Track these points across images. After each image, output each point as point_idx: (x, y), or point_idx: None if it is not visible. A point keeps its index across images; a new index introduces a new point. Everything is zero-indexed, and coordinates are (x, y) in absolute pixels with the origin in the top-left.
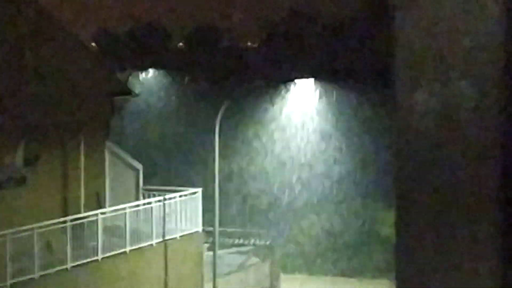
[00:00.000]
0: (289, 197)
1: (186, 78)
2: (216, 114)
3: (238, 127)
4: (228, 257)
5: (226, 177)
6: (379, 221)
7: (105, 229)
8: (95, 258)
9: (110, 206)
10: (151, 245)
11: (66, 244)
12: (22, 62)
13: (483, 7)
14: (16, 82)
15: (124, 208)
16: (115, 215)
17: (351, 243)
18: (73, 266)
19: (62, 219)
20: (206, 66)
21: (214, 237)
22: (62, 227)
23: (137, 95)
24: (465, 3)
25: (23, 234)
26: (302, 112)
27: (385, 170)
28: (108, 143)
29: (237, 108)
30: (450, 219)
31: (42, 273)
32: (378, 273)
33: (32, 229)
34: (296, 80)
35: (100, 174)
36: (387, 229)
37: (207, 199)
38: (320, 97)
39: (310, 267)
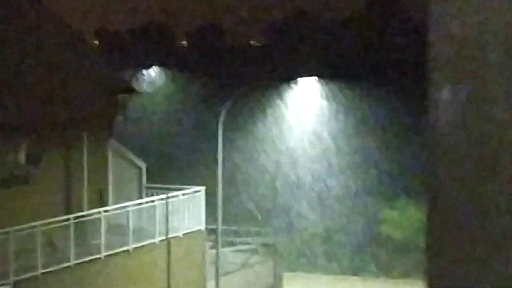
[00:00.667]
0: (292, 196)
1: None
2: (220, 112)
3: (242, 126)
4: (231, 255)
5: (230, 175)
6: (382, 220)
7: (108, 227)
8: (98, 256)
9: (113, 204)
10: (154, 243)
11: (69, 242)
12: (25, 60)
13: None
14: (19, 80)
15: (127, 206)
16: (118, 213)
17: (354, 241)
18: (76, 264)
19: (65, 217)
20: (209, 65)
21: (217, 236)
22: (65, 225)
23: (140, 93)
24: None
25: (26, 232)
26: (305, 110)
27: (388, 169)
28: (112, 141)
29: (240, 107)
30: (483, 217)
31: (45, 270)
32: (381, 271)
33: (35, 227)
34: (298, 79)
35: (103, 172)
36: (390, 228)
37: (211, 197)
38: (323, 95)
39: (313, 266)
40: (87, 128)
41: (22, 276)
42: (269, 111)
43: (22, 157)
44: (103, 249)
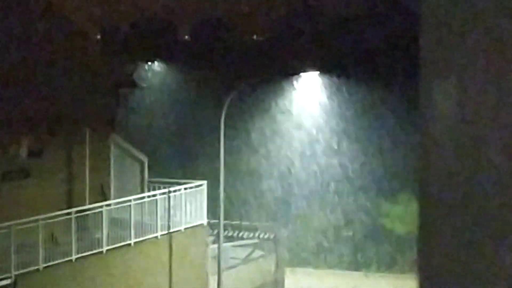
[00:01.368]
0: (294, 191)
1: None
2: (222, 107)
3: (244, 120)
4: (233, 250)
5: (232, 170)
6: (383, 214)
7: (110, 221)
8: (100, 250)
9: (115, 198)
10: (156, 237)
11: (71, 236)
12: (27, 54)
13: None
14: (21, 74)
15: (129, 200)
16: (120, 207)
17: (356, 236)
18: (78, 258)
19: (66, 211)
20: (212, 59)
21: (219, 230)
22: (67, 219)
23: (142, 87)
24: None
25: (28, 225)
26: (307, 105)
27: (389, 164)
28: (114, 135)
29: (243, 101)
30: (475, 216)
31: (47, 264)
32: (383, 266)
33: (37, 220)
34: (301, 74)
35: (105, 166)
36: (392, 223)
37: (213, 192)
38: (326, 90)
39: (315, 261)
40: (89, 122)
41: (24, 270)
42: (271, 105)
43: (24, 151)
44: (104, 243)
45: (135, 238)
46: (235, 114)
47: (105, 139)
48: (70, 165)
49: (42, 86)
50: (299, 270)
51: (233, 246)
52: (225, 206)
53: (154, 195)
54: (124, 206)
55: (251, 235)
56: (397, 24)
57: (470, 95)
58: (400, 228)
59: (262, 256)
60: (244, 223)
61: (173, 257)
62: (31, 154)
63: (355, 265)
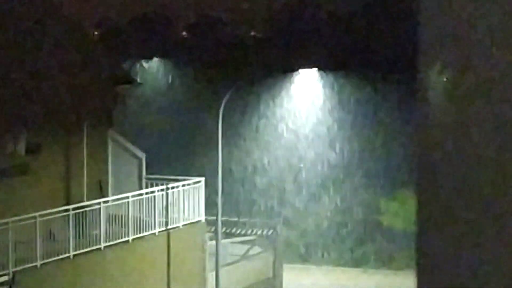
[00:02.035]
0: (292, 187)
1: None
2: (220, 103)
3: (242, 117)
4: (231, 246)
5: (230, 167)
6: (381, 211)
7: (108, 217)
8: (98, 246)
9: (113, 194)
10: (154, 234)
11: (69, 233)
12: (25, 50)
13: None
14: (19, 71)
15: (127, 197)
16: (117, 204)
17: (355, 233)
18: (75, 255)
19: (64, 208)
20: (210, 56)
21: (217, 227)
22: (65, 216)
23: (140, 84)
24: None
25: (26, 222)
26: (306, 101)
27: (386, 160)
28: (111, 132)
29: (241, 98)
30: (472, 214)
31: (44, 261)
32: (381, 263)
33: (35, 217)
34: (300, 70)
35: (103, 163)
36: (389, 219)
37: (211, 188)
38: (324, 87)
39: (313, 257)
40: (87, 119)
41: (21, 267)
42: (270, 102)
43: (21, 147)
44: (102, 239)
45: (133, 235)
46: (233, 111)
47: (103, 136)
48: (68, 162)
49: (39, 83)
50: (297, 266)
51: (232, 242)
52: (223, 202)
53: (152, 192)
54: (122, 203)
55: (250, 231)
56: (395, 20)
57: (467, 92)
58: (397, 225)
59: (260, 253)
60: (243, 219)
61: (171, 253)
62: (29, 150)
63: (353, 262)
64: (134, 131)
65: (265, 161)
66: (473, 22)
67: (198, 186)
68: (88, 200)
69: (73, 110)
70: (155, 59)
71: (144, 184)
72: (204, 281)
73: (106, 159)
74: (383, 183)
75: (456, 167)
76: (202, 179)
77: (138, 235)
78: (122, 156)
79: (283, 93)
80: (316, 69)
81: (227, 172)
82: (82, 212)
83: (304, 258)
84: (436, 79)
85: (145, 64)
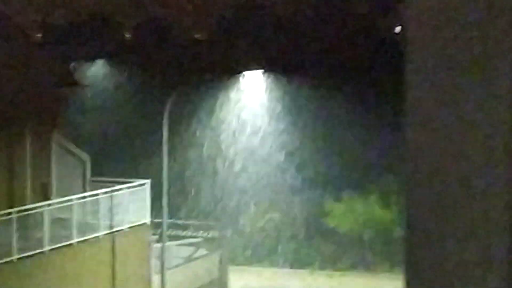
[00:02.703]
0: (239, 190)
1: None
2: (165, 105)
3: (188, 119)
4: (176, 249)
5: (177, 169)
6: (326, 213)
7: (52, 221)
8: (42, 250)
9: (57, 197)
10: (98, 237)
11: (12, 236)
12: None
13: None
14: None
15: (71, 200)
16: (62, 207)
17: (300, 234)
18: (19, 258)
19: (7, 211)
20: (154, 58)
21: (162, 229)
22: (8, 219)
23: (86, 86)
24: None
25: None
26: (252, 104)
27: (332, 162)
28: (55, 135)
29: (186, 100)
30: (462, 215)
31: None
32: (326, 264)
33: None
34: (245, 73)
35: (46, 166)
36: (334, 221)
37: (156, 191)
38: (270, 89)
39: (259, 259)
40: (30, 122)
41: None
42: (215, 103)
43: None
44: (46, 243)
45: (77, 237)
46: (179, 113)
47: (47, 139)
48: (11, 165)
49: None
50: (243, 268)
51: (177, 245)
52: (169, 205)
53: (96, 195)
54: (66, 206)
55: (195, 234)
56: (342, 22)
57: (457, 94)
58: (342, 226)
59: (205, 255)
60: (188, 222)
61: (116, 256)
62: None
63: (299, 263)
64: (79, 134)
65: (212, 163)
66: (461, 21)
67: (144, 188)
68: (32, 203)
69: (16, 113)
70: (101, 61)
71: (88, 187)
72: (149, 283)
73: (50, 162)
74: (329, 184)
75: (448, 171)
76: (148, 181)
77: (82, 238)
78: (66, 159)
79: (229, 95)
80: (262, 71)
81: (175, 174)
82: (26, 215)
83: (250, 260)
84: (424, 79)
85: (89, 66)
